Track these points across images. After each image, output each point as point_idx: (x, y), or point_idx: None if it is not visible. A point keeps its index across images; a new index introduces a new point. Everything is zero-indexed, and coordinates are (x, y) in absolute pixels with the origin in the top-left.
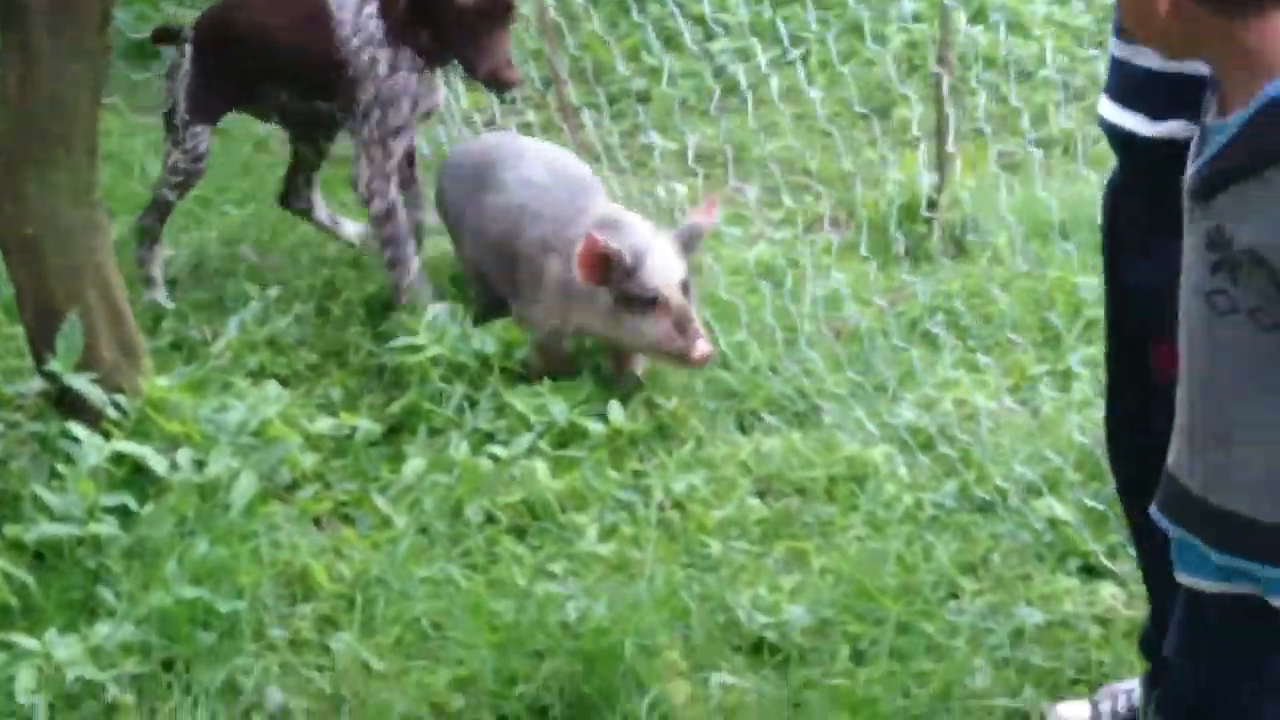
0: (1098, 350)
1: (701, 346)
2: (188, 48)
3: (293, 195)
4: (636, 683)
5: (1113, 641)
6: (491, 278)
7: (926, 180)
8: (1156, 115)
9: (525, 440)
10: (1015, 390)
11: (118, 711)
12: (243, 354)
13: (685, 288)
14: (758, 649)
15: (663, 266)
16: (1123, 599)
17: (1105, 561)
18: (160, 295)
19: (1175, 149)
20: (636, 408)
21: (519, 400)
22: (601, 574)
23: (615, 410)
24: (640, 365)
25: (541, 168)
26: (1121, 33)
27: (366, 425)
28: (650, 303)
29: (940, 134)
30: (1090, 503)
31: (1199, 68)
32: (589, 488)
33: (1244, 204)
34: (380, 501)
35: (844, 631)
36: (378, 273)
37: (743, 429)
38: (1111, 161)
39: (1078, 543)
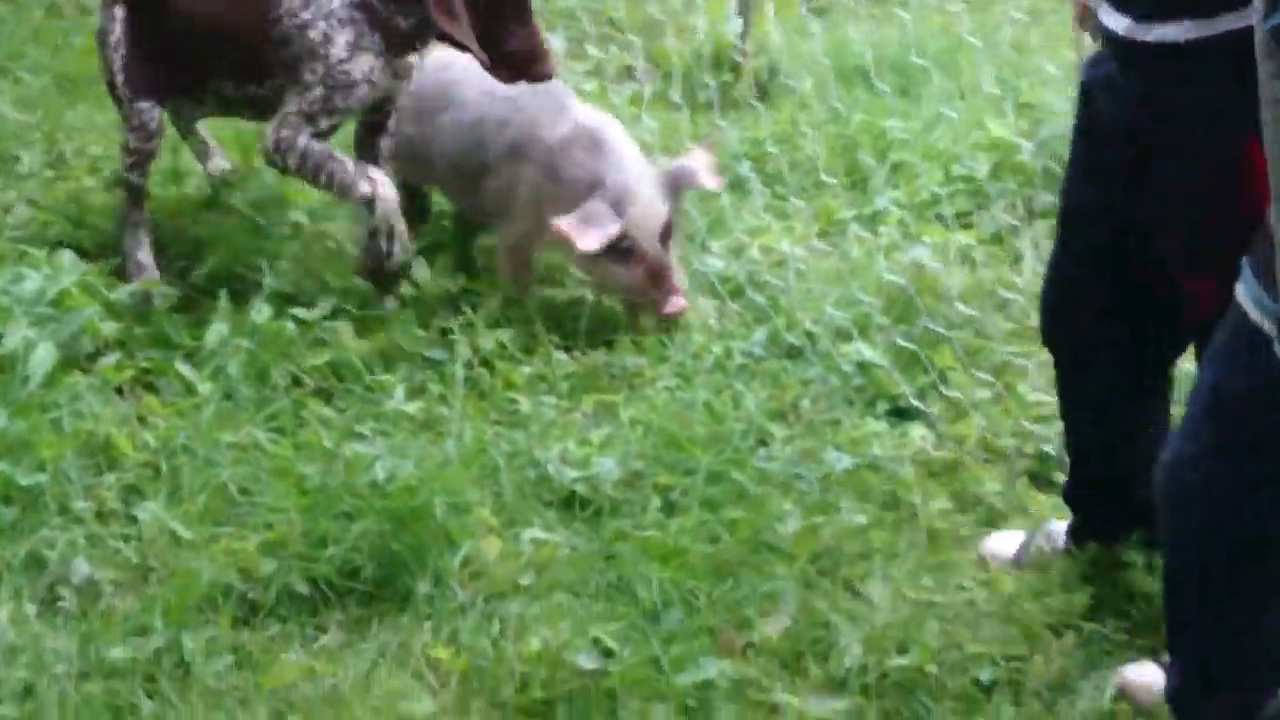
0: (905, 192)
1: (675, 302)
2: (119, 8)
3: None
4: (447, 540)
5: (923, 482)
6: (454, 198)
7: (734, 27)
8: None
9: (329, 303)
10: (824, 235)
11: None
12: (39, 225)
13: (666, 234)
14: (569, 503)
15: (643, 215)
16: (933, 440)
17: (916, 403)
18: (151, 275)
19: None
20: (443, 266)
21: (321, 261)
22: (410, 433)
23: (421, 268)
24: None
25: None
26: None
27: (166, 290)
28: (626, 252)
29: None
30: (901, 343)
31: None
32: (396, 348)
33: None
34: (184, 369)
35: (654, 483)
36: (182, 147)
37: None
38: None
39: (887, 385)
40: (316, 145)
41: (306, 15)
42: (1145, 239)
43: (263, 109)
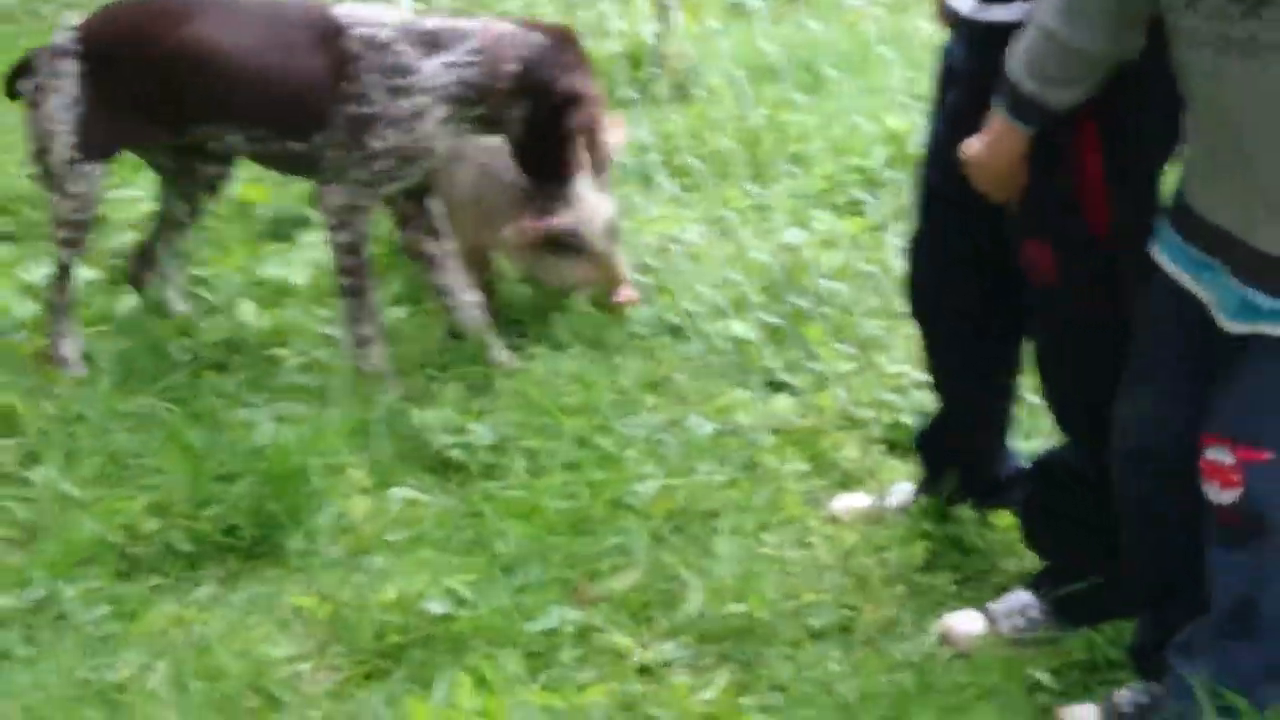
0: (802, 182)
1: (625, 292)
2: (68, 62)
3: (143, 267)
4: (321, 500)
5: (782, 448)
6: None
7: (651, 29)
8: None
9: (235, 283)
10: (720, 222)
11: None
12: None
13: (610, 229)
14: (444, 467)
15: (590, 211)
16: (796, 410)
17: (784, 376)
18: (77, 370)
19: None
20: None
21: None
22: (298, 402)
23: (318, 253)
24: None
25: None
26: None
27: (83, 273)
28: (575, 248)
29: None
30: (772, 320)
31: None
32: (293, 325)
33: None
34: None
35: (522, 446)
36: None
37: None
38: None
39: (757, 359)
40: (368, 256)
41: (403, 81)
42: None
43: (282, 163)
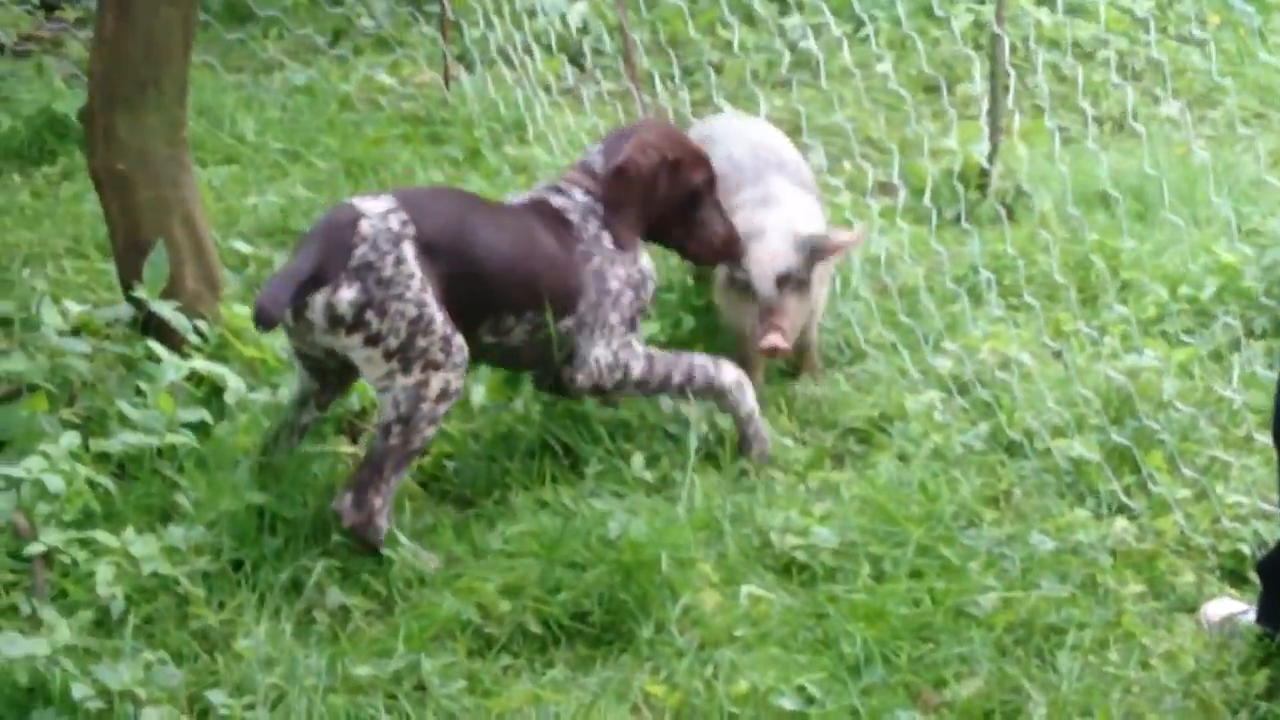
0: (1132, 309)
1: (771, 339)
2: (406, 246)
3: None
4: (670, 591)
5: (1120, 569)
6: None
7: (983, 149)
8: None
9: None
10: (1046, 346)
11: (189, 603)
12: None
13: (783, 282)
14: (787, 568)
15: (762, 258)
16: (1134, 532)
17: (1124, 499)
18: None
19: None
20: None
21: None
22: (644, 495)
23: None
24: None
25: (744, 147)
26: None
27: None
28: (745, 287)
29: (995, 102)
30: (1116, 438)
31: None
32: (637, 420)
33: None
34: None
35: (866, 552)
36: None
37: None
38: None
39: (1096, 480)
40: (653, 349)
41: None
42: None
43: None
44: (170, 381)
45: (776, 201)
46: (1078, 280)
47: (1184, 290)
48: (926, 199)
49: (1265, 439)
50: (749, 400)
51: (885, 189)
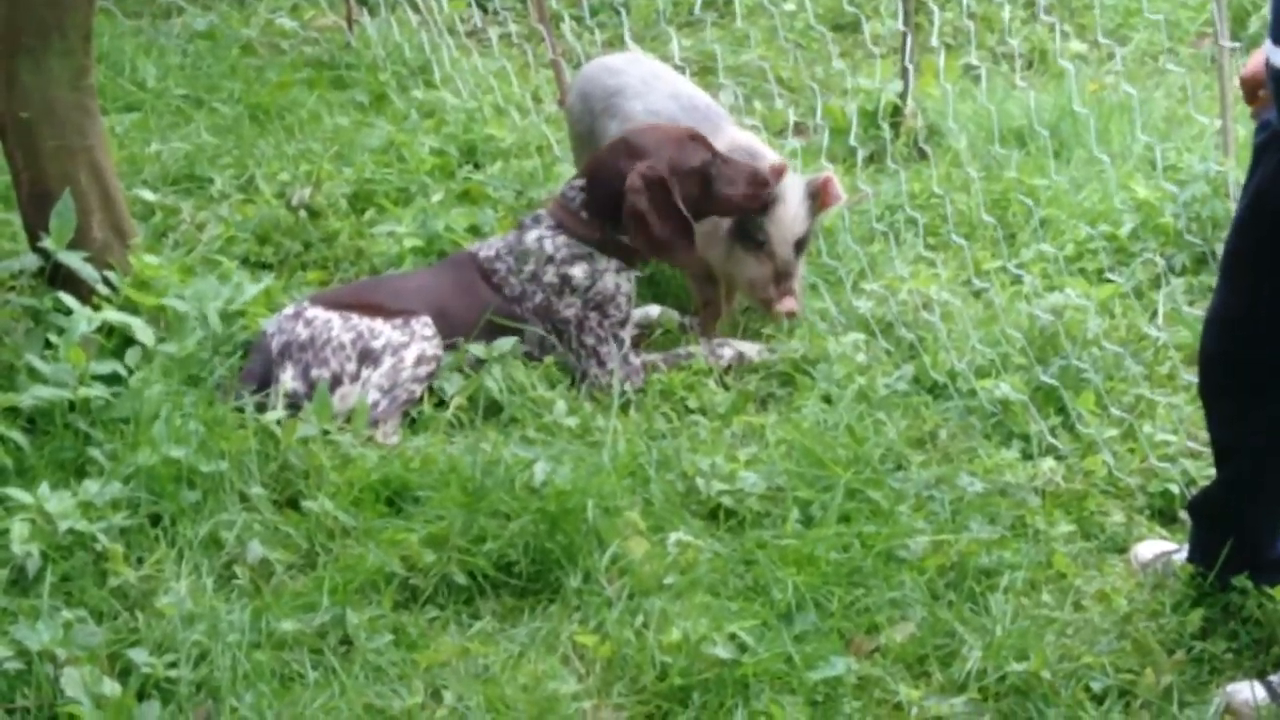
0: (1051, 246)
1: (788, 303)
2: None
3: None
4: (597, 540)
5: (1050, 509)
6: None
7: (896, 88)
8: None
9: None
10: (971, 282)
11: (107, 560)
12: (228, 240)
13: (800, 244)
14: (714, 514)
15: (785, 218)
16: (1062, 473)
17: (1051, 439)
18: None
19: None
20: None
21: None
22: (567, 442)
23: None
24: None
25: (667, 98)
26: None
27: None
28: (760, 245)
29: (904, 45)
30: (1042, 378)
31: None
32: (559, 369)
33: None
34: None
35: (795, 497)
36: (360, 163)
37: None
38: None
39: (1023, 421)
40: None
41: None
42: None
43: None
44: (81, 334)
45: (755, 145)
46: (996, 219)
47: (1103, 227)
48: (851, 139)
49: (1191, 377)
50: (728, 356)
51: (799, 129)
